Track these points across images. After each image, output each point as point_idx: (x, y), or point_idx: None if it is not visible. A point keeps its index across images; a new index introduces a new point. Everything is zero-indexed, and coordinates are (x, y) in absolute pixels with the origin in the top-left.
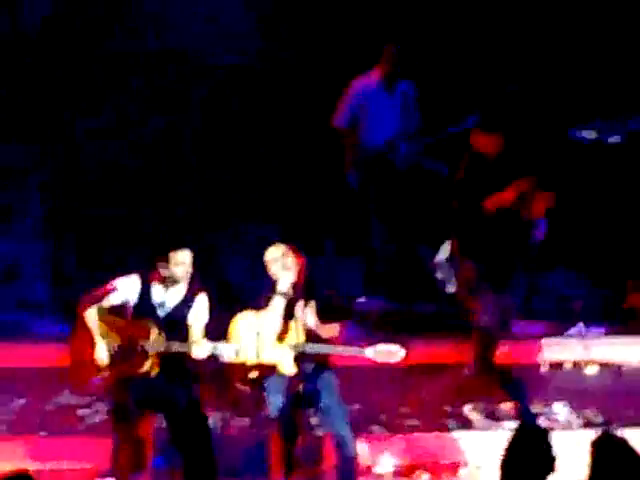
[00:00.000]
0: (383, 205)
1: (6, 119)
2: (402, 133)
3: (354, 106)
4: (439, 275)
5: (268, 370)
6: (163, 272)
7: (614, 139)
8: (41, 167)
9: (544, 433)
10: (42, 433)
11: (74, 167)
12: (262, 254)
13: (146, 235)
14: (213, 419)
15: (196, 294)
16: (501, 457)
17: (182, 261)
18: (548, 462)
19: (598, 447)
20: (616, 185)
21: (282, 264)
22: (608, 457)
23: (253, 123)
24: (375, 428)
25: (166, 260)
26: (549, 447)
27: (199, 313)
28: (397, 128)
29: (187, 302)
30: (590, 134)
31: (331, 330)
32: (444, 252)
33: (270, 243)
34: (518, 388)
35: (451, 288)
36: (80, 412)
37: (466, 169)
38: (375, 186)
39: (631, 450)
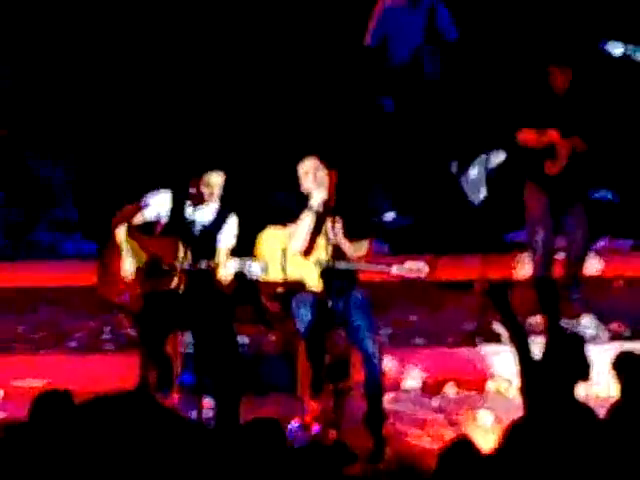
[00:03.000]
0: (414, 122)
1: None
2: (427, 46)
3: (381, 24)
4: (468, 189)
5: (295, 286)
6: (194, 191)
7: None
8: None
9: (580, 340)
10: (70, 351)
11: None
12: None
13: (181, 155)
14: (241, 336)
15: (227, 216)
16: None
17: (214, 182)
18: (583, 368)
19: (620, 365)
20: None
21: (315, 178)
22: (633, 374)
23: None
24: (403, 344)
25: (199, 180)
26: (584, 354)
27: (228, 234)
28: (421, 42)
29: (217, 223)
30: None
31: (360, 247)
32: (477, 166)
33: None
34: (549, 302)
35: (480, 198)
36: (108, 330)
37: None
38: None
39: None
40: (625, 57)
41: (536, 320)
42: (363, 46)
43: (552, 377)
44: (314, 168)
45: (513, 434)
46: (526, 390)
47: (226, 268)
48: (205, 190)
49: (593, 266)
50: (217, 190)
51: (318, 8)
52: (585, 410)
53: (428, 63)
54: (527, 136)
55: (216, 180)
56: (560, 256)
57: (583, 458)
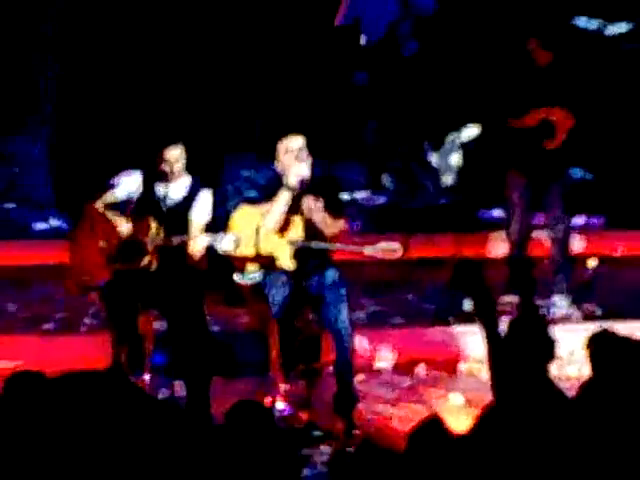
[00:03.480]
0: (388, 100)
1: None
2: (403, 20)
3: (353, 5)
4: (441, 166)
5: (267, 264)
6: (161, 168)
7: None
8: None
9: (541, 319)
10: (41, 332)
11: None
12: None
13: (148, 131)
14: (212, 316)
15: (199, 191)
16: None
17: (170, 157)
18: (547, 347)
19: (596, 344)
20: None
21: (297, 156)
22: (607, 353)
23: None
24: (375, 323)
25: (160, 156)
26: (547, 333)
27: (201, 210)
28: (396, 17)
29: (189, 198)
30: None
31: (336, 226)
32: (450, 144)
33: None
34: (522, 281)
35: (448, 180)
36: (80, 309)
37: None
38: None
39: (630, 342)
40: (596, 32)
41: (509, 299)
42: (335, 25)
43: (517, 356)
44: (298, 146)
45: (485, 417)
46: (493, 369)
47: (197, 243)
48: (165, 166)
49: (575, 245)
50: (177, 165)
51: None
52: (554, 390)
53: (404, 39)
54: (525, 119)
55: (173, 155)
56: (540, 234)
57: (553, 438)
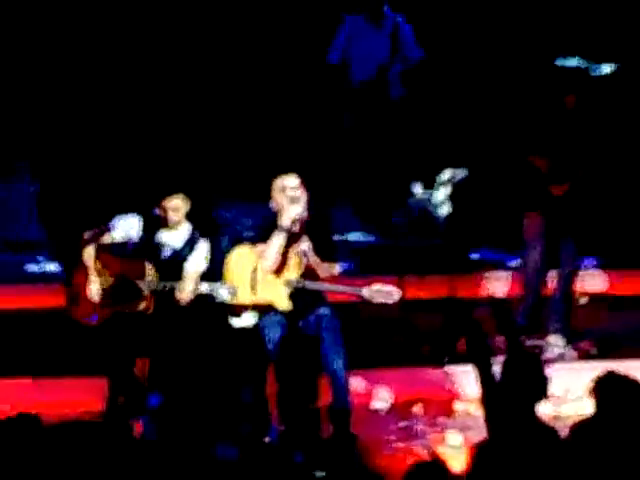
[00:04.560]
0: (375, 143)
1: None
2: (393, 63)
3: (344, 42)
4: (432, 207)
5: (264, 307)
6: (161, 215)
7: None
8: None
9: (534, 358)
10: (35, 376)
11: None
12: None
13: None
14: (209, 360)
15: (197, 240)
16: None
17: (171, 206)
18: (540, 386)
19: (601, 386)
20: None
21: (292, 196)
22: (613, 395)
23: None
24: (371, 364)
25: (161, 204)
26: (539, 371)
27: (196, 259)
28: (386, 61)
29: (187, 247)
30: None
31: (330, 268)
32: (440, 184)
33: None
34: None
35: (443, 215)
36: (77, 352)
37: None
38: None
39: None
40: (581, 71)
41: (502, 339)
42: (325, 63)
43: (510, 397)
44: (293, 186)
45: (479, 456)
46: (487, 410)
47: (188, 292)
48: (163, 214)
49: (598, 283)
50: (176, 215)
51: (283, 22)
52: (546, 429)
53: (393, 83)
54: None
55: (173, 204)
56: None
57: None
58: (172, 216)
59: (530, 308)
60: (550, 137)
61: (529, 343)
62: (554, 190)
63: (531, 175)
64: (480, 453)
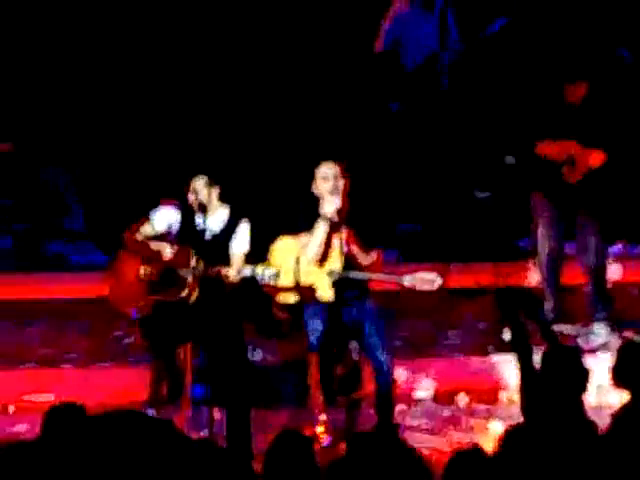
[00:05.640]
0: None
1: None
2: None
3: (393, 29)
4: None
5: (306, 296)
6: (194, 201)
7: None
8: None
9: (574, 351)
10: (79, 365)
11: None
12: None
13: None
14: (253, 347)
15: (238, 222)
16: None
17: (195, 188)
18: (580, 379)
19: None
20: None
21: (333, 185)
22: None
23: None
24: (414, 353)
25: (187, 188)
26: (580, 364)
27: (240, 241)
28: (435, 46)
29: (228, 229)
30: None
31: (372, 257)
32: None
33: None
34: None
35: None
36: (120, 341)
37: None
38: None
39: None
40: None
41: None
42: (374, 52)
43: (549, 388)
44: (334, 175)
45: (509, 440)
46: (526, 400)
47: (235, 274)
48: (191, 197)
49: (612, 272)
50: (202, 196)
51: (329, 11)
52: (585, 422)
53: (442, 71)
54: (547, 149)
55: (197, 185)
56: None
57: (580, 469)
58: (192, 198)
59: (553, 301)
60: (564, 125)
61: (571, 331)
62: (566, 178)
63: (539, 161)
64: (510, 437)
